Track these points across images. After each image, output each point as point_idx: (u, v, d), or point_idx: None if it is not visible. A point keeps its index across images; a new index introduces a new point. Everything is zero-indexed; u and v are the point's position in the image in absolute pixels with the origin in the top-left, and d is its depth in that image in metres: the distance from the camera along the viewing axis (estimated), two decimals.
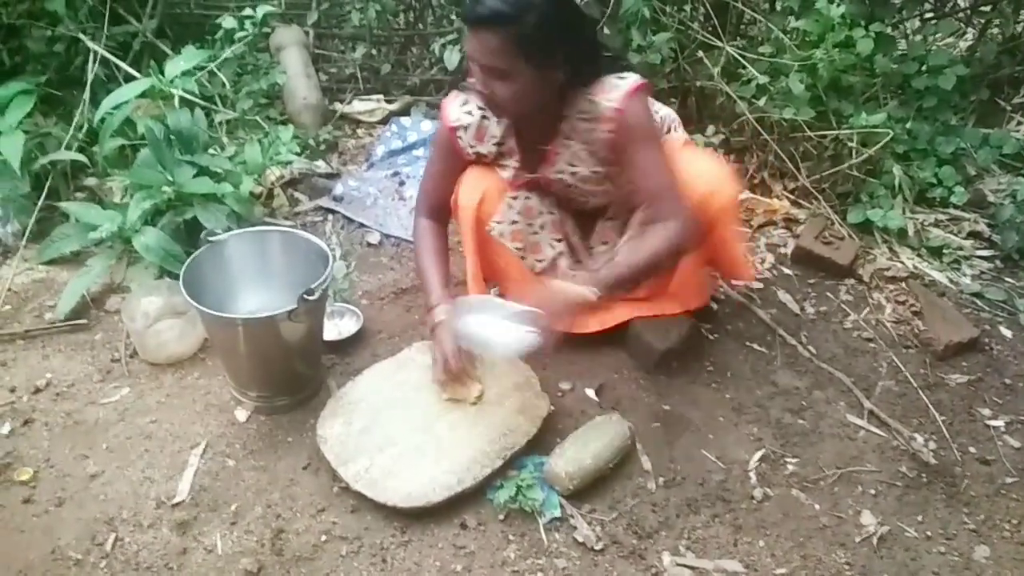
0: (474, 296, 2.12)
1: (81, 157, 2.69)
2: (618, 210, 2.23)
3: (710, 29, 3.16)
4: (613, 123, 1.96)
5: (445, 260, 2.18)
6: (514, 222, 2.18)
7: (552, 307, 1.84)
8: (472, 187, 2.15)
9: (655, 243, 1.95)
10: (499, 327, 1.85)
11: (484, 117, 2.08)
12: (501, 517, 1.86)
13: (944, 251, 2.89)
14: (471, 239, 2.18)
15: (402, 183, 3.17)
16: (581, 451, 1.92)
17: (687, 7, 3.18)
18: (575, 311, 1.91)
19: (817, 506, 1.96)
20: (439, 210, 2.23)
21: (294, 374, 2.11)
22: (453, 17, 3.64)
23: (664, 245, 1.96)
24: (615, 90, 1.95)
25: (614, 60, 2.06)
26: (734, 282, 2.60)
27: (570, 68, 1.89)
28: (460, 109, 2.10)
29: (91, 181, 2.85)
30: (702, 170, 2.11)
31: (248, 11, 2.82)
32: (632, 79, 1.96)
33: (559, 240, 2.24)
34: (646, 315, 2.31)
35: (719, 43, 3.06)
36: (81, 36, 2.95)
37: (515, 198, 2.16)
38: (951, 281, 2.77)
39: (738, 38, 3.37)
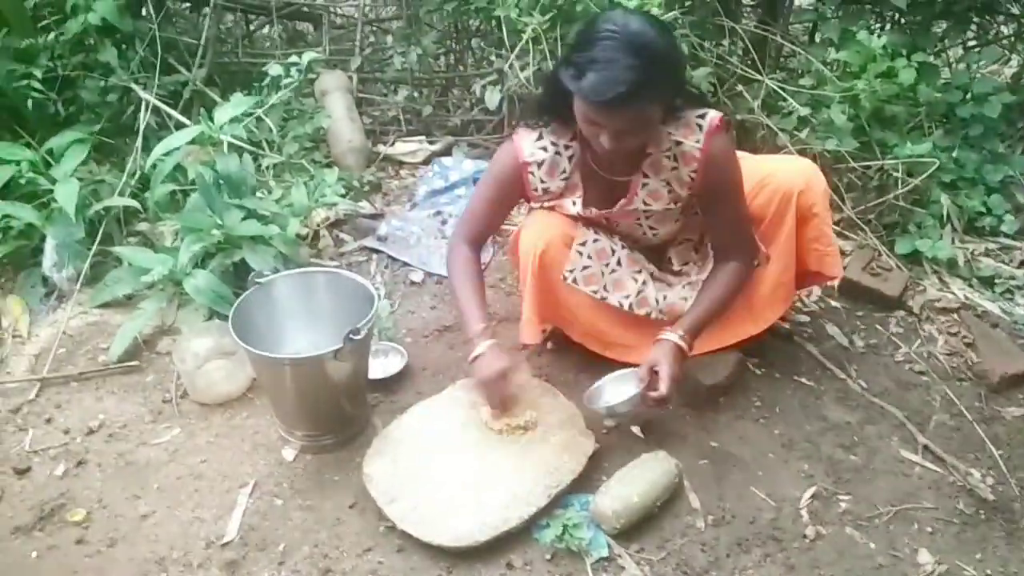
0: (606, 380, 2.16)
1: (133, 203, 2.75)
2: (686, 234, 2.29)
3: (749, 63, 3.17)
4: (697, 164, 1.99)
5: (482, 289, 2.18)
6: (586, 267, 2.16)
7: (665, 365, 2.02)
8: (536, 234, 2.12)
9: (725, 282, 2.16)
10: (626, 396, 2.04)
11: (556, 153, 2.08)
12: (548, 557, 1.84)
13: (996, 281, 2.84)
14: (532, 286, 2.15)
15: (444, 222, 3.20)
16: (628, 489, 1.90)
17: (726, 41, 3.19)
18: (681, 359, 2.08)
19: (872, 545, 1.91)
20: (480, 238, 2.23)
21: (340, 413, 2.12)
22: (492, 58, 3.69)
23: (733, 283, 2.15)
24: (697, 131, 1.96)
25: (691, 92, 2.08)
26: (822, 283, 2.57)
27: (672, 99, 1.91)
28: (535, 144, 2.07)
29: (143, 226, 2.91)
30: (791, 168, 2.20)
31: (294, 58, 2.88)
32: (711, 117, 1.97)
33: (639, 272, 2.23)
34: (736, 343, 2.32)
35: (759, 76, 3.06)
36: (133, 86, 3.04)
37: (584, 244, 2.15)
38: (1004, 311, 2.71)
39: (778, 71, 3.36)
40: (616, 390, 2.12)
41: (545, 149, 2.07)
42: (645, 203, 2.09)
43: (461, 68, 4.03)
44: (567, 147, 2.07)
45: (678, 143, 1.98)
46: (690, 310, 2.15)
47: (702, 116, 1.97)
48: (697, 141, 1.96)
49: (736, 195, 2.07)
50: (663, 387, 1.99)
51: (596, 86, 1.70)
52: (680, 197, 2.08)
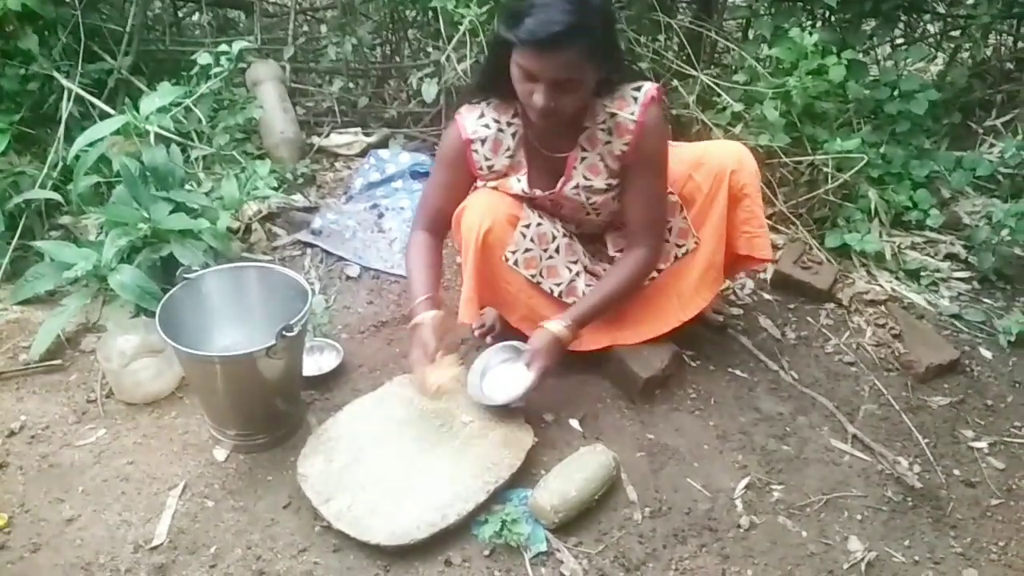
0: (490, 350, 2.23)
1: (55, 195, 2.66)
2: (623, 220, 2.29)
3: (684, 58, 3.20)
4: (631, 136, 2.01)
5: (436, 270, 2.17)
6: (528, 250, 2.17)
7: (539, 359, 2.07)
8: (481, 212, 2.11)
9: (627, 273, 2.17)
10: (506, 381, 2.13)
11: (500, 129, 2.08)
12: (486, 553, 1.83)
13: (922, 273, 2.92)
14: (473, 264, 2.14)
15: (381, 215, 3.16)
16: (566, 483, 1.90)
17: (662, 36, 3.21)
18: (559, 350, 2.12)
19: (804, 533, 1.95)
20: (438, 223, 2.20)
21: (273, 411, 2.08)
22: (429, 50, 3.66)
23: (635, 274, 2.18)
24: (633, 103, 1.99)
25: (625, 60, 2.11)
26: (753, 267, 2.63)
27: (607, 66, 1.91)
28: (477, 122, 2.09)
29: (66, 219, 2.82)
30: (723, 149, 2.26)
31: (224, 47, 2.81)
32: (647, 90, 1.99)
33: (574, 262, 2.25)
34: (669, 331, 2.33)
35: (694, 72, 3.09)
36: (55, 74, 2.93)
37: (528, 226, 2.16)
38: (930, 303, 2.79)
39: (712, 67, 3.41)
40: (498, 370, 2.20)
41: (488, 126, 2.08)
42: (585, 178, 2.10)
43: (397, 59, 3.99)
44: (509, 124, 2.08)
45: (613, 115, 2.00)
46: (583, 300, 2.18)
47: (637, 88, 2.00)
48: (632, 113, 1.99)
49: (660, 168, 2.09)
50: (530, 380, 2.05)
51: (532, 28, 1.75)
52: (615, 171, 2.10)
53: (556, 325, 2.10)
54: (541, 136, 2.08)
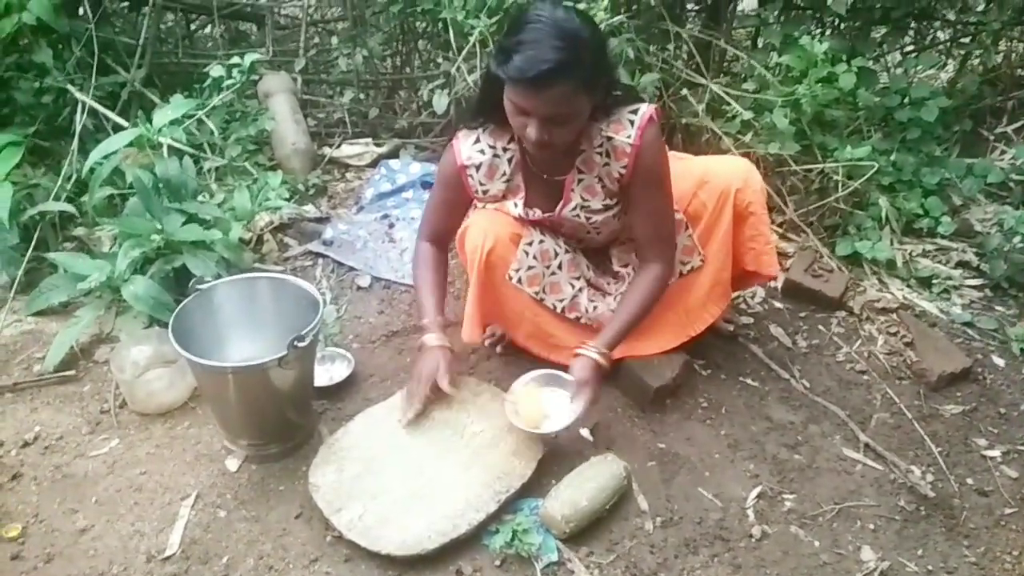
0: (534, 374, 2.14)
1: (70, 207, 2.68)
2: (628, 234, 2.29)
3: (694, 67, 3.20)
4: (628, 159, 2.00)
5: (442, 283, 2.23)
6: (530, 267, 2.18)
7: (589, 378, 2.03)
8: (483, 231, 2.13)
9: (646, 291, 2.14)
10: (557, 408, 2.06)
11: (495, 155, 2.09)
12: (497, 563, 1.83)
13: (933, 281, 2.90)
14: (477, 284, 2.16)
15: (392, 226, 3.17)
16: (576, 493, 1.90)
17: (671, 46, 3.21)
18: (601, 378, 2.09)
19: (817, 543, 1.94)
20: (441, 236, 2.26)
21: (285, 421, 2.09)
22: (439, 61, 3.67)
23: (654, 291, 2.15)
24: (629, 126, 1.97)
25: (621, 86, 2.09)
26: (759, 283, 2.66)
27: (601, 94, 1.90)
28: (472, 148, 2.09)
29: (80, 231, 2.85)
30: (728, 166, 2.23)
31: (236, 59, 2.83)
32: (643, 112, 1.98)
33: (577, 278, 2.26)
34: (682, 342, 2.34)
35: (703, 80, 3.10)
36: (69, 87, 2.96)
37: (530, 244, 2.17)
38: (942, 311, 2.78)
39: (722, 75, 3.41)
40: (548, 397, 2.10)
41: (483, 151, 2.09)
42: (583, 199, 2.10)
43: (408, 70, 4.01)
44: (505, 149, 2.09)
45: (609, 138, 2.00)
46: (610, 324, 2.14)
47: (634, 112, 1.99)
48: (628, 136, 1.98)
49: (662, 185, 2.08)
50: (579, 411, 2.00)
51: (521, 65, 1.72)
52: (613, 192, 2.09)
53: (593, 352, 2.06)
54: (538, 160, 2.08)
